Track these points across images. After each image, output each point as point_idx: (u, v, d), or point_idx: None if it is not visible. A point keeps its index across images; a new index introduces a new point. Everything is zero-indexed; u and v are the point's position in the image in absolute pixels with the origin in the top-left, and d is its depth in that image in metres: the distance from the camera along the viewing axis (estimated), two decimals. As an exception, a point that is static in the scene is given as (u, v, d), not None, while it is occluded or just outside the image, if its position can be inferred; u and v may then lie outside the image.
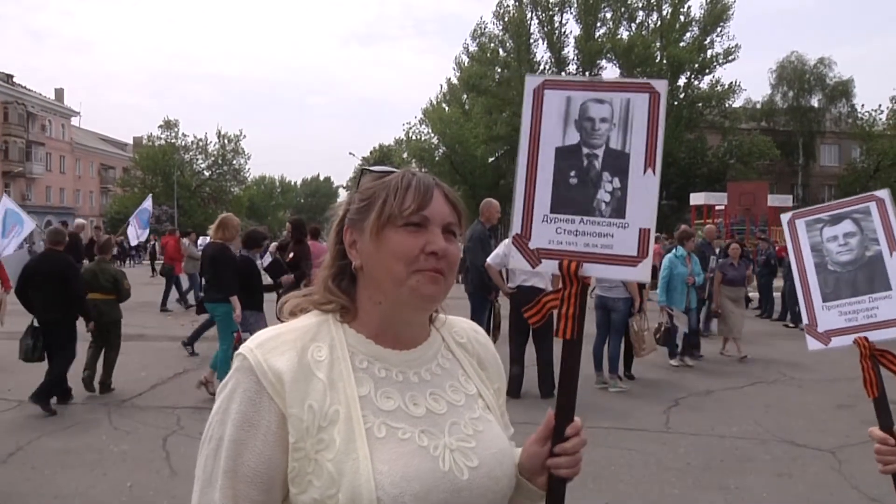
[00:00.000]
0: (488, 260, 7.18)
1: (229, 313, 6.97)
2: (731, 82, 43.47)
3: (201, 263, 7.73)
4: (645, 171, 1.23)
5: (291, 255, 8.43)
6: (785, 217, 1.80)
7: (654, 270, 9.30)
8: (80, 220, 14.98)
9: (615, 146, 1.24)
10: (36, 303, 6.73)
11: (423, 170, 1.24)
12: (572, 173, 1.24)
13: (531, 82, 1.28)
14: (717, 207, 27.56)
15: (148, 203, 16.58)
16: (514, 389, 7.05)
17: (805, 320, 1.73)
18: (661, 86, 1.25)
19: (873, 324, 1.63)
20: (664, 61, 42.84)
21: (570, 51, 45.00)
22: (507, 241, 6.96)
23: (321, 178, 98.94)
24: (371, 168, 1.18)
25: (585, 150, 1.25)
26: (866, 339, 1.62)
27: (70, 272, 6.83)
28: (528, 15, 45.00)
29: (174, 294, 15.00)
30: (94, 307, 7.12)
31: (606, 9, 44.35)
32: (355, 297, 1.14)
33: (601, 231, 1.23)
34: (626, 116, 1.24)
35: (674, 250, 9.17)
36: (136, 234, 15.99)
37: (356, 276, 1.14)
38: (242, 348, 1.08)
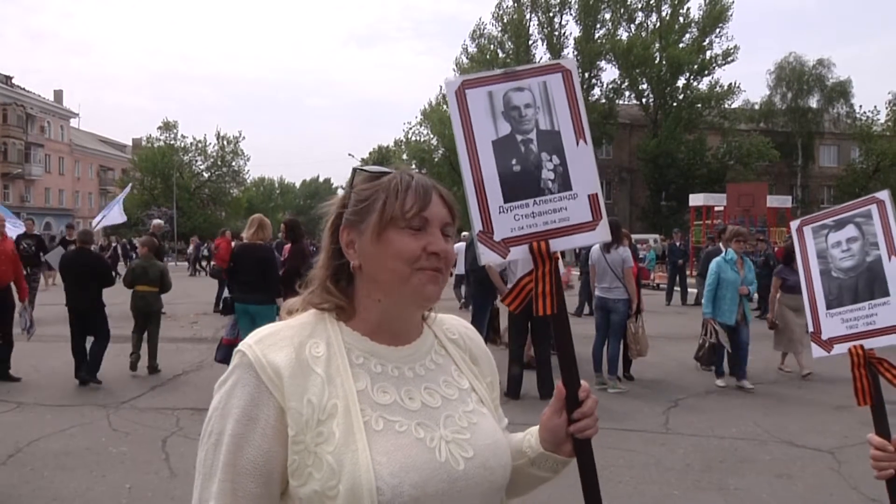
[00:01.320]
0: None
1: (273, 315, 7.00)
2: (730, 83, 43.70)
3: (235, 264, 7.23)
4: (578, 143, 1.32)
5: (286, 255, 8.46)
6: (794, 225, 1.78)
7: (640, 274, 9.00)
8: (157, 221, 15.44)
9: (545, 127, 1.31)
10: (69, 292, 7.87)
11: (421, 171, 1.25)
12: (513, 161, 1.30)
13: (451, 85, 1.32)
14: (716, 208, 27.55)
15: (121, 196, 16.39)
16: (514, 390, 7.05)
17: (811, 328, 1.72)
18: (570, 63, 1.34)
19: (872, 331, 1.61)
20: (663, 62, 42.94)
21: (569, 52, 45.05)
22: None
23: (321, 179, 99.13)
24: (364, 168, 1.18)
25: (519, 138, 1.31)
26: (861, 347, 1.61)
27: (100, 266, 8.10)
28: (528, 16, 45.08)
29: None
30: (142, 297, 8.36)
31: (606, 10, 44.43)
32: (353, 295, 1.17)
33: (555, 207, 1.31)
34: (546, 98, 1.32)
35: (723, 253, 8.01)
36: (115, 217, 15.78)
37: (353, 275, 1.16)
38: (241, 345, 1.10)
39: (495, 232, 1.29)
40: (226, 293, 7.74)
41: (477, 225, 1.30)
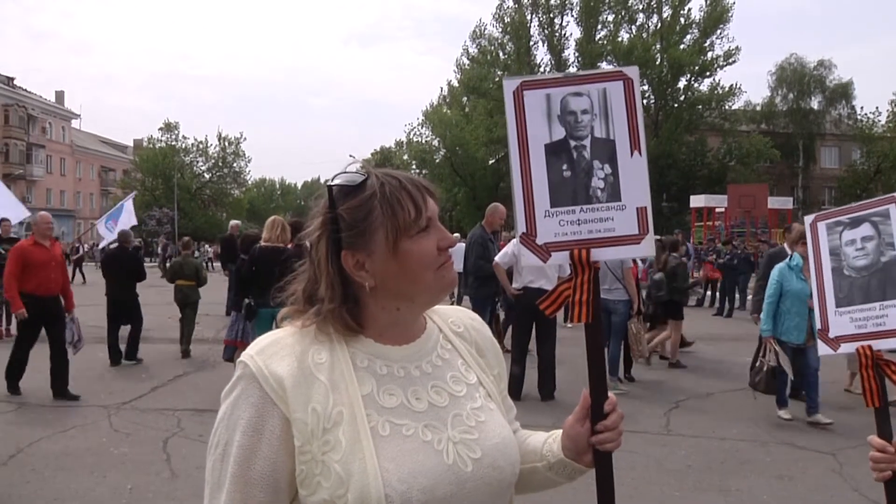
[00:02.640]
0: (496, 259, 7.18)
1: None
2: (731, 84, 43.64)
3: (257, 267, 6.86)
4: (632, 154, 1.30)
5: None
6: (808, 219, 1.76)
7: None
8: (235, 222, 15.80)
9: (600, 135, 1.30)
10: (110, 285, 9.13)
11: (422, 172, 1.24)
12: (564, 167, 1.29)
13: (509, 85, 1.31)
14: (717, 210, 27.58)
15: (128, 203, 14.06)
16: (515, 391, 7.05)
17: (818, 325, 1.70)
18: (632, 72, 1.31)
19: (881, 332, 1.59)
20: (664, 63, 42.90)
21: (570, 53, 45.09)
22: (515, 240, 6.98)
23: (322, 180, 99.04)
24: (338, 183, 1.11)
25: (573, 143, 1.30)
26: (870, 347, 1.59)
27: (137, 263, 9.44)
28: (529, 17, 45.07)
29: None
30: (181, 290, 9.62)
31: (607, 11, 44.40)
32: (360, 314, 1.12)
33: (601, 216, 1.29)
34: (605, 105, 1.30)
35: (787, 259, 6.65)
36: (106, 233, 14.27)
37: (360, 295, 1.12)
38: (243, 356, 1.08)
39: (538, 235, 1.29)
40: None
41: (521, 226, 1.29)
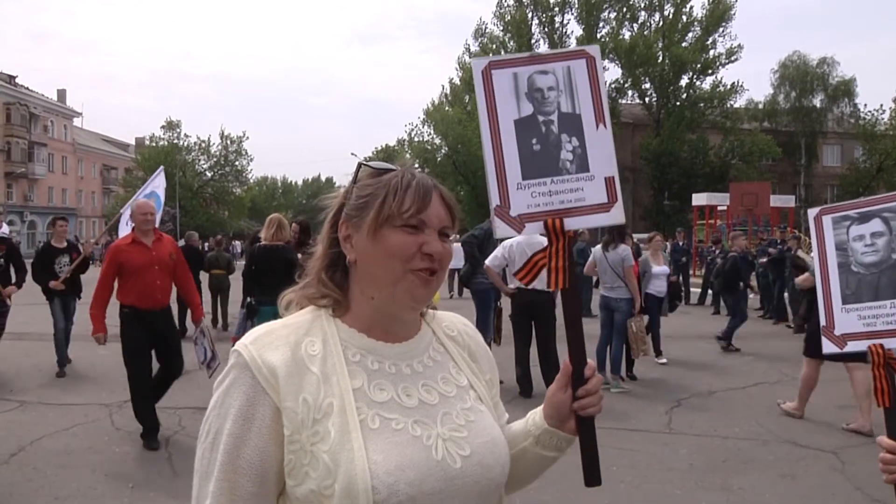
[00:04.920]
0: (487, 262, 7.16)
1: None
2: (734, 82, 43.58)
3: (257, 266, 6.78)
4: (598, 127, 1.35)
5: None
6: (812, 212, 1.71)
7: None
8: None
9: (566, 110, 1.35)
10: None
11: (425, 170, 1.26)
12: (534, 141, 1.34)
13: (478, 65, 1.37)
14: (719, 208, 27.48)
15: (159, 181, 9.98)
16: (525, 389, 7.07)
17: (823, 321, 1.66)
18: (594, 50, 1.38)
19: (892, 330, 1.56)
20: (666, 62, 42.86)
21: (571, 51, 45.00)
22: (504, 243, 6.99)
23: (322, 178, 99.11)
24: (370, 164, 1.19)
25: (541, 118, 1.35)
26: (881, 346, 1.56)
27: (201, 258, 11.84)
28: (529, 15, 45.04)
29: None
30: (216, 278, 12.22)
31: (608, 9, 44.36)
32: (347, 290, 1.17)
33: (571, 187, 1.34)
34: (569, 82, 1.36)
35: None
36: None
37: (349, 269, 1.17)
38: (238, 345, 1.10)
39: (512, 207, 1.33)
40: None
41: (494, 199, 1.32)
